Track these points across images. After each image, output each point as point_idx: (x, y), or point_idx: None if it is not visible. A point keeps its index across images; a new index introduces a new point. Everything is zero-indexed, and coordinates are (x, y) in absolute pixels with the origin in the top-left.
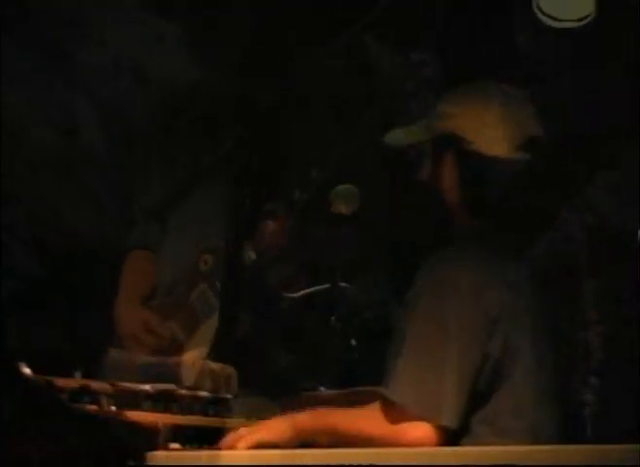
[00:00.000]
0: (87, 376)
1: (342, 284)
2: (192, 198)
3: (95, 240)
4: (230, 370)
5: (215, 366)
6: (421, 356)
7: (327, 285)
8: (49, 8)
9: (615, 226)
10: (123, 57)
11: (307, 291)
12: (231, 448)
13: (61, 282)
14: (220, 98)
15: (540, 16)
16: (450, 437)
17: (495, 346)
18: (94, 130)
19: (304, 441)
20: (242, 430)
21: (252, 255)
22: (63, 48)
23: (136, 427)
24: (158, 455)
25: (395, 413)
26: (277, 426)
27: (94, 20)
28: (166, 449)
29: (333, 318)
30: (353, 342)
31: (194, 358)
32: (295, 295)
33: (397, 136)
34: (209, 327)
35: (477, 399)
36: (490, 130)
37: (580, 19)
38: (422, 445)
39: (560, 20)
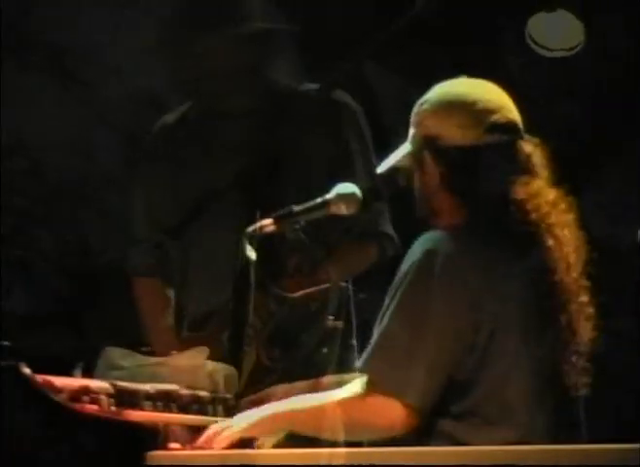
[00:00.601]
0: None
1: (342, 284)
2: (212, 229)
3: (113, 259)
4: (230, 370)
5: (215, 366)
6: (397, 335)
7: (327, 285)
8: (66, 40)
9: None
10: (139, 87)
11: (307, 291)
12: (210, 445)
13: (80, 298)
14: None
15: (533, 46)
16: (424, 421)
17: (481, 337)
18: (113, 155)
19: (282, 430)
20: (215, 426)
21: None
22: (82, 78)
23: (136, 427)
24: (158, 455)
25: (367, 395)
26: (256, 418)
27: (111, 52)
28: (166, 448)
29: (332, 318)
30: (353, 342)
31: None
32: (295, 295)
33: (387, 162)
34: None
35: (457, 388)
36: (453, 120)
37: (570, 49)
38: (393, 426)
39: (552, 50)
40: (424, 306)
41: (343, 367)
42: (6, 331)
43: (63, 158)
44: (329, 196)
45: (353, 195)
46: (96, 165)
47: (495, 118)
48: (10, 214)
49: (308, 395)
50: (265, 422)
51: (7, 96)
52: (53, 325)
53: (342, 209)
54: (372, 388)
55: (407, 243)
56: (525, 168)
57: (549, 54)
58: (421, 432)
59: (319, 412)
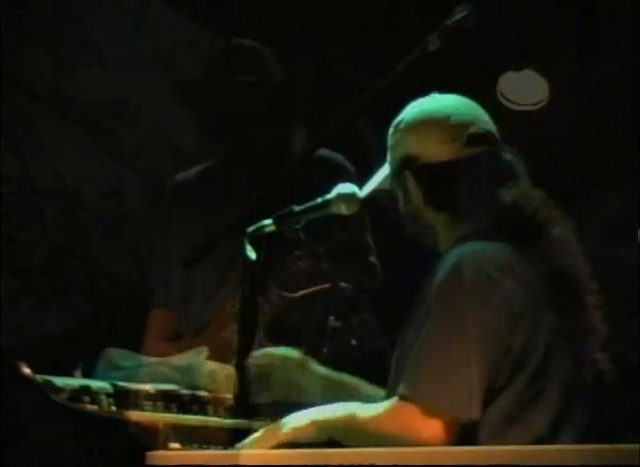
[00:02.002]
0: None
1: (342, 284)
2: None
3: (136, 287)
4: (230, 370)
5: (215, 366)
6: (440, 352)
7: (327, 285)
8: (99, 96)
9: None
10: (159, 133)
11: (307, 291)
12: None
13: (105, 320)
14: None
15: (503, 101)
16: (462, 433)
17: (518, 341)
18: (138, 197)
19: (324, 436)
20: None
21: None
22: (113, 129)
23: (136, 427)
24: (158, 455)
25: (409, 411)
26: (299, 423)
27: (134, 102)
28: (166, 448)
29: (332, 318)
30: (353, 342)
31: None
32: (294, 295)
33: (368, 186)
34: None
35: (494, 393)
36: (431, 138)
37: (535, 104)
38: (435, 444)
39: (520, 104)
40: (461, 320)
41: (343, 367)
42: (41, 350)
43: (94, 199)
44: (329, 195)
45: (353, 195)
46: (123, 205)
47: (472, 130)
48: (46, 247)
49: (354, 404)
50: (307, 428)
51: (47, 145)
52: (82, 344)
53: (342, 209)
54: (418, 414)
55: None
56: (508, 175)
57: (516, 108)
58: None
59: (358, 425)
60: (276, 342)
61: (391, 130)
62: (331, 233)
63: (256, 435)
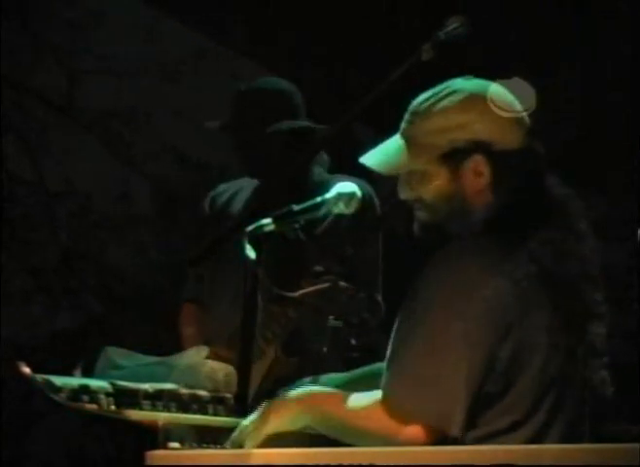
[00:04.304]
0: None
1: (342, 284)
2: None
3: (144, 285)
4: (229, 369)
5: (215, 365)
6: (424, 360)
7: (327, 285)
8: (109, 105)
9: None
10: (166, 140)
11: (307, 290)
12: (241, 445)
13: (115, 317)
14: None
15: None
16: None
17: (506, 349)
18: (145, 200)
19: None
20: (244, 426)
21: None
22: (118, 132)
23: (136, 427)
24: (158, 455)
25: (388, 411)
26: (284, 412)
27: (142, 110)
28: (166, 448)
29: (332, 318)
30: (353, 342)
31: (212, 364)
32: (294, 294)
33: (380, 162)
34: (257, 370)
35: (482, 401)
36: (504, 125)
37: (524, 111)
38: (414, 443)
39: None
40: (446, 323)
41: (342, 367)
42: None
43: (104, 202)
44: (329, 195)
45: (353, 194)
46: (132, 208)
47: (527, 120)
48: (58, 248)
49: (337, 397)
50: (295, 417)
51: (59, 150)
52: (91, 339)
53: (342, 208)
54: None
55: None
56: (543, 167)
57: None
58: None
59: (341, 416)
60: (293, 356)
61: (431, 107)
62: (346, 255)
63: (244, 429)
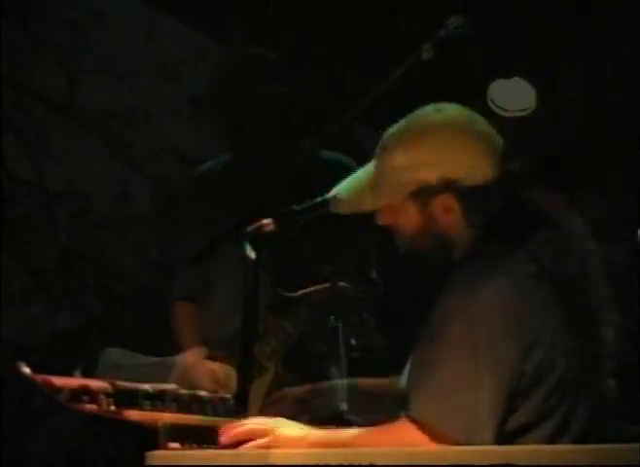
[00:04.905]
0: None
1: (342, 284)
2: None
3: (144, 285)
4: (229, 370)
5: (215, 365)
6: (452, 376)
7: (327, 285)
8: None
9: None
10: (166, 140)
11: (307, 290)
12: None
13: (115, 317)
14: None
15: (493, 107)
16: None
17: (531, 364)
18: (145, 199)
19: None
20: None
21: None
22: (118, 132)
23: (136, 427)
24: (158, 455)
25: (417, 434)
26: (293, 445)
27: (142, 110)
28: (166, 448)
29: (332, 318)
30: (353, 342)
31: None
32: (294, 294)
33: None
34: (259, 386)
35: (507, 413)
36: (472, 161)
37: (523, 110)
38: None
39: (509, 111)
40: (473, 340)
41: (342, 367)
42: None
43: (104, 202)
44: (328, 195)
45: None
46: (131, 208)
47: (500, 144)
48: (58, 248)
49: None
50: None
51: (59, 150)
52: (91, 339)
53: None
54: (427, 437)
55: None
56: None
57: (506, 114)
58: None
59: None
60: (293, 372)
61: (412, 146)
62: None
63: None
